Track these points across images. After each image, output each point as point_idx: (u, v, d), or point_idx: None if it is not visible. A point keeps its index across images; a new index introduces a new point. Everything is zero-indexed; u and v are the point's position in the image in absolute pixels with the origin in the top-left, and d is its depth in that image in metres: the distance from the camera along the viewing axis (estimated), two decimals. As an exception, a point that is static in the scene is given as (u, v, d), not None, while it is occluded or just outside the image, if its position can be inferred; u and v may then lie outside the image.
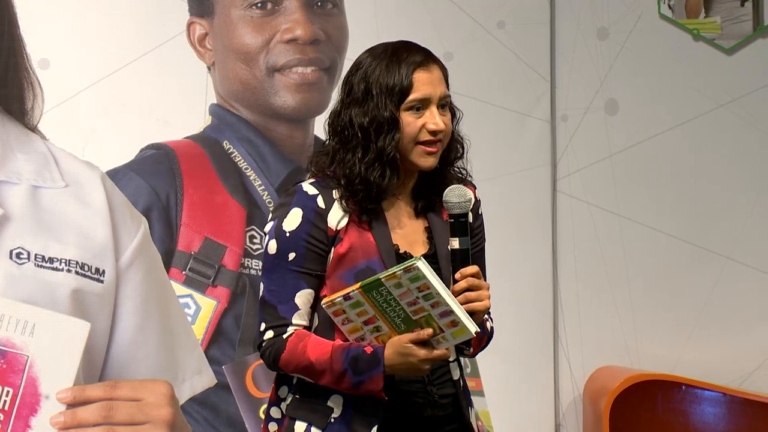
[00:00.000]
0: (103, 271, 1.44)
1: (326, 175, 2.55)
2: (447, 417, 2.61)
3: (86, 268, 1.42)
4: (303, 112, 4.13)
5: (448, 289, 2.42)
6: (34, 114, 1.51)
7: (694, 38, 4.46)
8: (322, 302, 2.47)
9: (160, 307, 1.52)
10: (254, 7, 4.08)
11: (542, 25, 4.38)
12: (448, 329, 2.40)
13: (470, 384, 3.80)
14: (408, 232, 2.59)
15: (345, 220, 2.51)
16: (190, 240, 4.00)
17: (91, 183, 1.48)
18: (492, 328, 2.67)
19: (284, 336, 2.50)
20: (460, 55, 4.25)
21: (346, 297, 2.42)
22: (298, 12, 4.10)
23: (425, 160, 2.53)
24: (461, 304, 2.42)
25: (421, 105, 2.51)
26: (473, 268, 2.48)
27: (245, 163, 4.10)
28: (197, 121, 4.09)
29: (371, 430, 2.49)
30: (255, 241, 4.06)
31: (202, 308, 4.01)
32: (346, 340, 2.49)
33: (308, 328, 2.53)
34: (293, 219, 2.50)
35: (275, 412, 2.59)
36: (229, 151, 4.10)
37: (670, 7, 4.45)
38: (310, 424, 2.51)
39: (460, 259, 2.50)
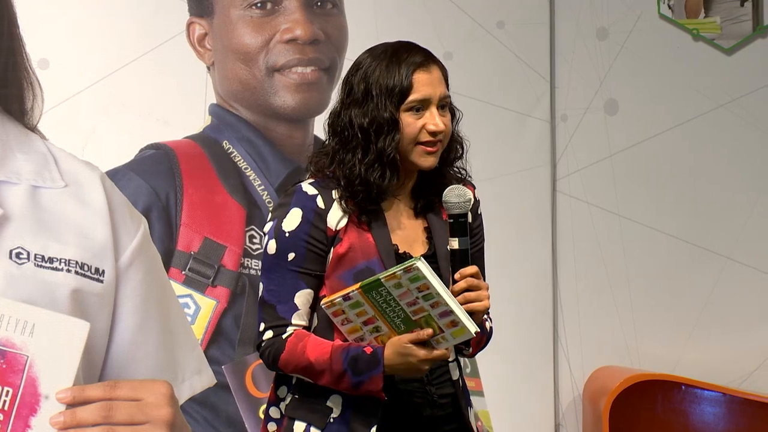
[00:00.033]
0: (103, 271, 1.44)
1: (326, 175, 2.55)
2: (446, 417, 2.61)
3: (86, 268, 1.42)
4: (302, 112, 4.13)
5: (448, 289, 2.42)
6: (34, 114, 1.51)
7: (694, 38, 4.47)
8: (322, 302, 2.47)
9: (159, 307, 1.52)
10: (254, 7, 4.08)
11: (542, 25, 4.38)
12: (447, 329, 2.40)
13: (470, 384, 3.81)
14: (407, 232, 2.59)
15: (344, 221, 2.51)
16: (189, 240, 4.00)
17: (91, 183, 1.48)
18: (491, 328, 2.67)
19: (283, 336, 2.50)
20: (460, 55, 4.25)
21: (346, 297, 2.42)
22: (297, 12, 4.10)
23: (425, 159, 2.53)
24: (461, 304, 2.42)
25: (421, 106, 2.51)
26: (472, 269, 2.48)
27: (245, 163, 4.10)
28: (197, 121, 4.09)
29: (370, 430, 2.48)
30: (255, 241, 4.06)
31: (202, 308, 4.01)
32: (346, 340, 2.49)
33: (307, 328, 2.53)
34: (293, 219, 2.50)
35: (274, 412, 2.59)
36: (229, 151, 4.10)
37: (669, 7, 4.45)
38: (309, 424, 2.51)
39: (460, 259, 2.50)
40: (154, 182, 3.99)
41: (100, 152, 3.81)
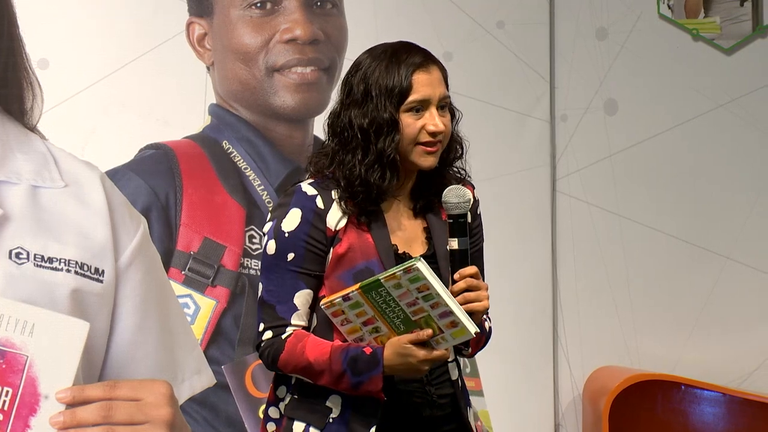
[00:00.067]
0: (103, 271, 1.44)
1: (325, 175, 2.55)
2: (445, 417, 2.61)
3: (85, 268, 1.42)
4: (302, 112, 4.13)
5: (447, 289, 2.42)
6: (34, 114, 1.51)
7: (694, 38, 4.47)
8: (321, 303, 2.47)
9: (159, 307, 1.52)
10: (253, 7, 4.08)
11: (542, 25, 4.38)
12: (447, 330, 2.40)
13: (470, 384, 3.81)
14: (407, 232, 2.59)
15: (344, 221, 2.51)
16: (189, 240, 4.00)
17: (91, 183, 1.48)
18: (490, 327, 2.67)
19: (283, 336, 2.50)
20: (460, 55, 4.25)
21: (346, 298, 2.42)
22: (297, 12, 4.10)
23: (425, 159, 2.53)
24: (460, 304, 2.42)
25: (421, 106, 2.51)
26: (472, 269, 2.48)
27: (245, 163, 4.10)
28: (196, 121, 4.09)
29: (370, 430, 2.48)
30: (254, 241, 4.06)
31: (202, 308, 4.01)
32: (345, 340, 2.49)
33: (307, 328, 2.53)
34: (292, 219, 2.50)
35: (273, 412, 2.59)
36: (229, 151, 4.10)
37: (669, 7, 4.45)
38: (308, 425, 2.51)
39: (459, 259, 2.50)
40: (154, 182, 3.99)
41: (99, 152, 3.81)
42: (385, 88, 2.49)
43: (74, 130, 3.89)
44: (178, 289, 3.93)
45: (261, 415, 2.87)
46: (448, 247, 2.52)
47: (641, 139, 4.44)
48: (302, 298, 2.51)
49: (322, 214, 2.50)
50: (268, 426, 2.59)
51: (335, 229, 2.50)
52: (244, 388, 4.02)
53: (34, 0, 3.82)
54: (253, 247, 4.05)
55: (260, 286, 2.55)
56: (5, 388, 1.25)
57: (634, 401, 4.20)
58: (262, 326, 2.53)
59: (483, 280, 2.54)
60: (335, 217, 2.51)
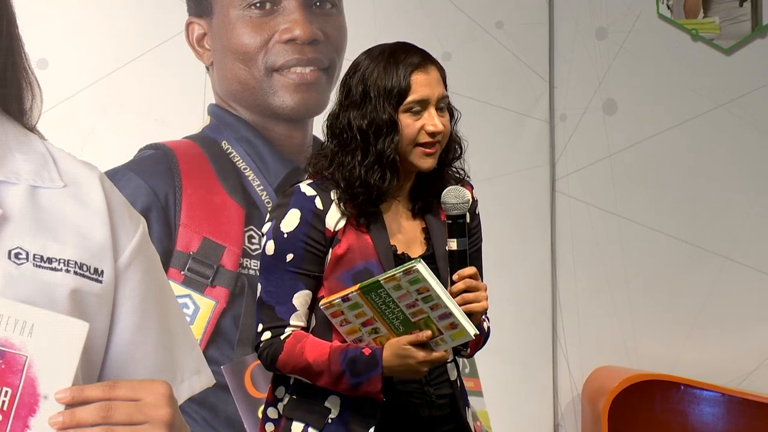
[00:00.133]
0: (102, 272, 1.44)
1: (324, 176, 2.55)
2: (444, 417, 2.61)
3: (85, 268, 1.42)
4: (301, 112, 4.13)
5: (447, 290, 2.42)
6: (33, 114, 1.51)
7: (693, 38, 4.47)
8: (321, 303, 2.47)
9: (158, 307, 1.52)
10: (253, 7, 4.07)
11: (541, 25, 4.38)
12: (447, 331, 2.40)
13: (469, 384, 3.81)
14: (406, 233, 2.59)
15: (343, 222, 2.51)
16: (188, 240, 4.00)
17: (90, 183, 1.48)
18: (489, 328, 2.67)
19: (282, 337, 2.50)
20: (459, 55, 4.25)
21: (345, 298, 2.42)
22: (296, 12, 4.10)
23: (424, 161, 2.53)
24: (459, 305, 2.42)
25: (420, 106, 2.51)
26: (471, 270, 2.48)
27: (244, 163, 4.10)
28: (196, 121, 4.09)
29: (368, 430, 2.48)
30: (254, 241, 4.06)
31: (201, 308, 4.01)
32: (344, 341, 2.49)
33: (306, 329, 2.53)
34: (291, 220, 2.50)
35: (272, 413, 2.59)
36: (228, 151, 4.10)
37: (668, 7, 4.45)
38: (307, 425, 2.51)
39: (458, 260, 2.50)
40: (153, 182, 3.99)
41: (99, 152, 3.81)
42: (383, 89, 2.49)
43: (73, 130, 3.89)
44: (178, 289, 3.93)
45: (260, 416, 2.87)
46: (447, 248, 2.52)
47: (640, 139, 4.44)
48: (301, 298, 2.51)
49: (321, 215, 2.50)
50: (266, 426, 2.59)
51: (334, 230, 2.50)
52: (243, 388, 4.02)
53: (34, 0, 3.82)
54: (253, 247, 4.05)
55: (259, 286, 2.54)
56: (4, 389, 1.25)
57: (633, 401, 4.20)
58: (260, 327, 2.53)
59: (482, 280, 2.54)
60: (334, 218, 2.51)
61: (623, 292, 4.43)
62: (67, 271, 1.40)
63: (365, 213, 2.52)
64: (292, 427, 2.52)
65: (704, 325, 4.45)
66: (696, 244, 4.45)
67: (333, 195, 2.52)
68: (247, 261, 4.05)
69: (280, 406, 2.57)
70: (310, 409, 2.52)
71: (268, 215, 2.56)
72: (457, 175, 2.64)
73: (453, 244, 2.50)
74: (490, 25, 4.32)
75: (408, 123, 2.50)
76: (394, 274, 2.36)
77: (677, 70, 4.44)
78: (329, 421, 2.50)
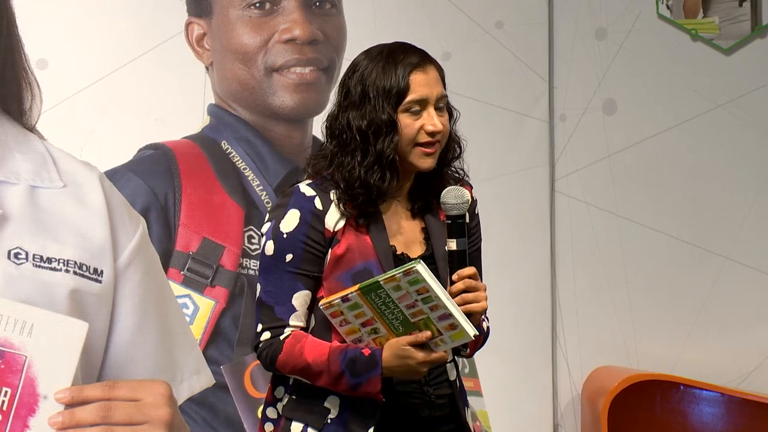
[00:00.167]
0: (102, 272, 1.44)
1: (323, 177, 2.55)
2: (443, 417, 2.61)
3: (84, 268, 1.42)
4: (301, 112, 4.13)
5: (446, 290, 2.42)
6: (33, 114, 1.51)
7: (693, 38, 4.47)
8: (320, 304, 2.47)
9: (158, 307, 1.52)
10: (252, 7, 4.07)
11: (540, 25, 4.38)
12: (446, 332, 2.40)
13: (468, 384, 3.81)
14: (405, 233, 2.59)
15: (342, 222, 2.51)
16: (188, 240, 4.00)
17: (89, 183, 1.48)
18: (488, 327, 2.67)
19: (281, 337, 2.50)
20: (459, 55, 4.25)
21: (345, 299, 2.42)
22: (296, 12, 4.10)
23: (424, 161, 2.53)
24: (458, 305, 2.42)
25: (419, 106, 2.51)
26: (470, 270, 2.48)
27: (243, 164, 4.10)
28: (195, 121, 4.09)
29: (368, 430, 2.48)
30: (253, 241, 4.06)
31: (201, 308, 4.01)
32: (344, 341, 2.48)
33: (305, 329, 2.53)
34: (290, 220, 2.50)
35: (271, 413, 2.59)
36: (228, 151, 4.10)
37: (668, 8, 4.45)
38: (306, 425, 2.51)
39: (458, 260, 2.50)
40: (153, 182, 3.99)
41: (98, 152, 3.81)
42: (382, 89, 2.49)
43: (73, 130, 3.89)
44: (177, 289, 3.93)
45: (259, 416, 2.87)
46: (446, 248, 2.52)
47: (640, 139, 4.45)
48: (300, 299, 2.51)
49: (321, 215, 2.50)
50: (265, 426, 2.59)
51: (334, 230, 2.50)
52: (242, 388, 4.02)
53: (34, 0, 3.82)
54: (252, 247, 4.05)
55: (258, 286, 2.54)
56: (4, 389, 1.25)
57: (633, 401, 4.20)
58: (260, 327, 2.53)
59: (481, 280, 2.54)
60: (333, 218, 2.51)
61: (623, 292, 4.43)
62: (67, 271, 1.40)
63: (365, 213, 2.52)
64: (292, 427, 2.52)
65: (704, 325, 4.45)
66: (696, 244, 4.45)
67: (332, 195, 2.52)
68: (246, 261, 4.05)
69: (280, 406, 2.57)
70: (310, 410, 2.52)
71: (267, 215, 2.56)
72: (457, 175, 2.64)
73: (452, 244, 2.50)
74: (490, 25, 4.32)
75: (407, 123, 2.50)
76: (393, 275, 2.36)
77: (677, 70, 4.44)
78: (328, 421, 2.50)
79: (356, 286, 2.41)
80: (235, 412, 4.01)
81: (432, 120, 2.51)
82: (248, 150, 4.10)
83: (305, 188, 2.52)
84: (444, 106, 2.56)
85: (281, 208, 2.52)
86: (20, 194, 1.42)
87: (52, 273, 1.39)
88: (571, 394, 4.42)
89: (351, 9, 4.18)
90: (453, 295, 2.44)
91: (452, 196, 2.51)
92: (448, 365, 2.62)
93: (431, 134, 2.51)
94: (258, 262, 2.58)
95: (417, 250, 2.58)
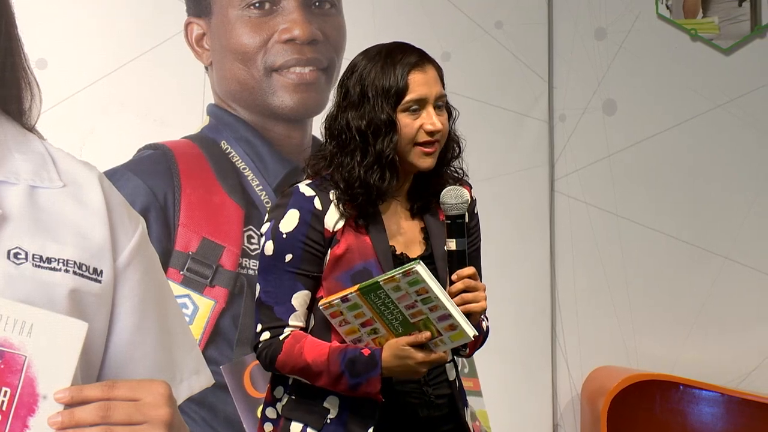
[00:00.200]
0: (101, 272, 1.44)
1: (323, 177, 2.55)
2: (443, 417, 2.61)
3: (84, 268, 1.42)
4: (301, 112, 4.13)
5: (446, 291, 2.42)
6: (32, 114, 1.51)
7: (692, 38, 4.47)
8: (320, 304, 2.47)
9: (157, 307, 1.52)
10: (252, 7, 4.07)
11: (540, 25, 4.38)
12: (446, 332, 2.40)
13: (468, 384, 3.81)
14: (404, 233, 2.59)
15: (342, 222, 2.51)
16: (187, 240, 4.00)
17: (89, 183, 1.48)
18: (487, 327, 2.67)
19: (281, 337, 2.50)
20: (458, 55, 4.25)
21: (344, 299, 2.42)
22: (295, 12, 4.10)
23: (423, 160, 2.53)
24: (458, 305, 2.42)
25: (418, 106, 2.51)
26: (470, 270, 2.48)
27: (243, 163, 4.10)
28: (195, 121, 4.09)
29: (367, 431, 2.48)
30: (253, 241, 4.05)
31: (200, 308, 4.01)
32: (343, 341, 2.48)
33: (305, 329, 2.53)
34: (290, 220, 2.50)
35: (271, 413, 2.59)
36: (227, 151, 4.10)
37: (667, 8, 4.45)
38: (306, 425, 2.51)
39: (457, 260, 2.49)
40: (152, 182, 3.99)
41: (98, 152, 3.81)
42: (381, 89, 2.49)
43: (72, 130, 3.89)
44: (177, 289, 3.93)
45: (259, 416, 2.87)
46: (446, 248, 2.52)
47: (640, 139, 4.45)
48: (300, 299, 2.51)
49: (320, 215, 2.50)
50: (265, 426, 2.59)
51: (333, 230, 2.50)
52: (242, 388, 4.02)
53: (33, 0, 3.82)
54: (252, 247, 4.05)
55: (258, 286, 2.54)
56: (3, 389, 1.25)
57: (633, 401, 4.20)
58: (259, 327, 2.53)
59: (480, 280, 2.54)
60: (333, 218, 2.51)
61: (623, 292, 4.43)
62: (66, 271, 1.40)
63: (364, 213, 2.52)
64: (291, 427, 2.52)
65: (704, 325, 4.45)
66: (696, 244, 4.45)
67: (332, 195, 2.52)
68: (246, 261, 4.05)
69: (279, 406, 2.57)
70: (309, 410, 2.52)
71: (267, 215, 2.56)
72: (456, 175, 2.64)
73: (452, 244, 2.50)
74: (490, 25, 4.32)
75: (406, 122, 2.50)
76: (393, 276, 2.36)
77: (676, 70, 4.44)
78: (328, 421, 2.50)
79: (356, 287, 2.41)
80: (235, 412, 4.01)
81: (431, 119, 2.51)
82: (248, 150, 4.10)
83: (305, 188, 2.52)
84: (443, 106, 2.56)
85: (281, 209, 2.52)
86: (20, 194, 1.42)
87: (52, 273, 1.39)
88: (570, 394, 4.42)
89: (350, 9, 4.18)
90: (452, 295, 2.44)
91: (452, 196, 2.50)
92: (447, 365, 2.62)
93: (430, 133, 2.51)
94: (257, 262, 2.58)
95: (416, 250, 2.58)
